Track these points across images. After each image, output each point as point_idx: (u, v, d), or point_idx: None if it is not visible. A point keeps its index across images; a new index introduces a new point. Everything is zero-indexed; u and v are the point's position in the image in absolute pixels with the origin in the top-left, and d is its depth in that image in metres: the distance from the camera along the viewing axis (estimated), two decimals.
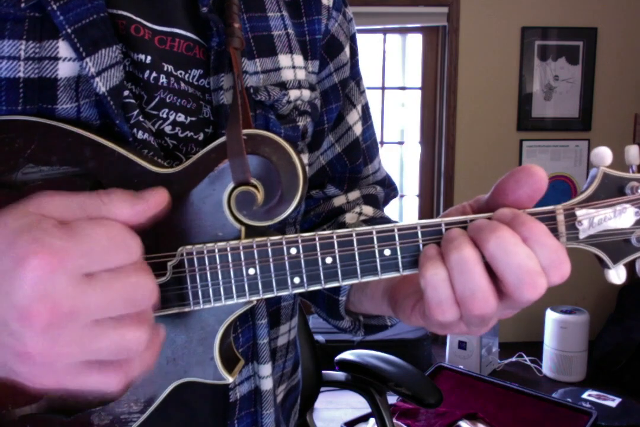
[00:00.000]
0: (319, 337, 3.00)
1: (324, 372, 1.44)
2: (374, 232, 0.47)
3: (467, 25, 3.31)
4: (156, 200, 0.44)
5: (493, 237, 0.43)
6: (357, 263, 0.47)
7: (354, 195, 0.78)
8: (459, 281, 0.44)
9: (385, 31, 3.49)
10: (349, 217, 0.72)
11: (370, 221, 0.73)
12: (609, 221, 0.48)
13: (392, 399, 1.88)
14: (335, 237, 0.47)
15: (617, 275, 0.49)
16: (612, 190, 0.48)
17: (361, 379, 1.43)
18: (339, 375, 1.47)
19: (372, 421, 2.32)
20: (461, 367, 2.84)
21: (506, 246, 0.43)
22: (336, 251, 0.47)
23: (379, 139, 3.54)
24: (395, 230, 0.47)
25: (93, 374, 0.40)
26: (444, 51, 3.39)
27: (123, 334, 0.40)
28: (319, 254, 0.47)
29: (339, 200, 0.77)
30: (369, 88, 3.46)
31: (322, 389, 1.42)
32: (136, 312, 0.41)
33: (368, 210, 0.74)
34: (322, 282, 0.48)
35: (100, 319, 0.39)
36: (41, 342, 0.38)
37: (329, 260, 0.47)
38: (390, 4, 3.26)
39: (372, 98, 3.52)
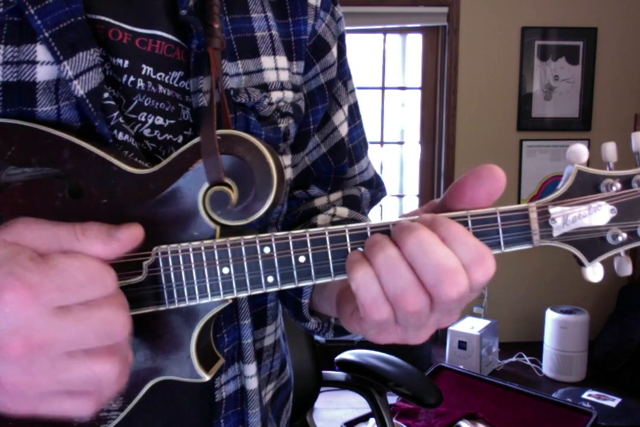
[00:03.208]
0: (319, 337, 2.99)
1: (324, 372, 1.44)
2: (347, 231, 0.47)
3: (467, 25, 3.31)
4: (130, 239, 0.46)
5: (411, 237, 0.43)
6: (330, 262, 0.48)
7: (335, 196, 0.78)
8: (388, 280, 0.44)
9: (385, 31, 3.49)
10: (321, 219, 0.72)
11: (342, 222, 0.72)
12: (584, 219, 0.47)
13: (392, 399, 1.88)
14: (308, 235, 0.47)
15: (593, 273, 0.49)
16: (587, 187, 0.47)
17: (361, 379, 1.44)
18: (339, 375, 1.48)
19: (372, 421, 2.32)
20: (461, 367, 2.83)
21: (423, 245, 0.43)
22: (309, 250, 0.48)
23: (378, 139, 3.55)
24: (368, 228, 0.47)
25: (65, 402, 0.42)
26: (444, 51, 3.38)
27: (93, 367, 0.42)
28: (292, 252, 0.48)
29: (320, 201, 0.77)
30: (368, 88, 3.48)
31: (322, 389, 1.43)
32: (108, 345, 0.43)
33: (342, 211, 0.74)
34: (296, 280, 0.48)
35: (72, 351, 0.41)
36: (13, 373, 0.40)
37: (302, 259, 0.48)
38: (390, 4, 3.26)
39: (372, 98, 3.52)
